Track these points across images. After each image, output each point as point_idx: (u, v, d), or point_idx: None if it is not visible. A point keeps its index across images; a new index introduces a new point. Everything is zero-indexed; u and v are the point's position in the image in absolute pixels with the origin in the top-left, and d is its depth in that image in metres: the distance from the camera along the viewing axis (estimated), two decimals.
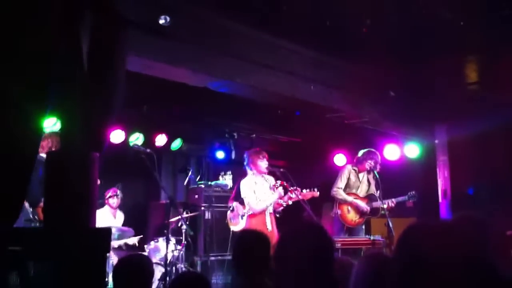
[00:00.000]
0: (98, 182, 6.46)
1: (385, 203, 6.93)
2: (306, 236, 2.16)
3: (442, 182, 7.88)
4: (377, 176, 7.02)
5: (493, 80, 6.89)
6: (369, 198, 7.20)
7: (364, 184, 7.29)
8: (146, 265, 3.28)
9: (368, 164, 7.14)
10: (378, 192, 7.09)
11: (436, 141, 8.05)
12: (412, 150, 8.37)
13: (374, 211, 7.13)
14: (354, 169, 7.27)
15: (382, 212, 6.99)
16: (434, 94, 7.22)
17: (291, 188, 6.50)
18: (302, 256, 2.07)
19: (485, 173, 7.61)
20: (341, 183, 7.17)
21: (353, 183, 7.23)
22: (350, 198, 7.10)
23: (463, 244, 1.36)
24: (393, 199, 7.01)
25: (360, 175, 7.27)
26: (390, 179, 7.39)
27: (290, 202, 6.55)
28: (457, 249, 1.34)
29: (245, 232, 3.38)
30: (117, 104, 3.90)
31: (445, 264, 1.31)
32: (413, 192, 7.08)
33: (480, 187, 7.69)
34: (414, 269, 1.35)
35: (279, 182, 6.56)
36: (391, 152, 8.45)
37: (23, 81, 3.30)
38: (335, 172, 7.61)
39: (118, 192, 7.16)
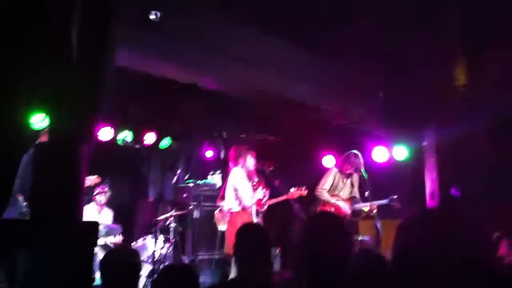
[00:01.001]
0: (98, 179, 6.46)
1: (366, 206, 7.03)
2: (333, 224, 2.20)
3: (429, 184, 7.91)
4: (365, 176, 7.05)
5: (482, 81, 6.92)
6: (351, 200, 7.26)
7: (347, 186, 7.34)
8: (132, 257, 3.25)
9: (348, 168, 7.22)
10: (367, 193, 7.12)
11: (425, 143, 8.07)
12: (401, 152, 8.39)
13: (356, 213, 7.19)
14: (339, 172, 7.31)
15: (364, 214, 7.05)
16: (423, 96, 7.24)
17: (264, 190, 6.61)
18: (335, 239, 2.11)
19: (475, 175, 7.62)
20: (326, 184, 7.21)
21: (336, 185, 7.28)
22: (333, 200, 7.15)
23: (453, 231, 1.38)
24: (374, 202, 7.05)
25: (344, 178, 7.32)
26: (379, 181, 7.41)
27: (264, 207, 6.60)
28: (449, 236, 1.35)
29: (247, 226, 3.33)
30: (106, 98, 3.89)
31: (437, 252, 1.32)
32: (395, 196, 7.10)
33: (469, 188, 7.70)
34: (408, 256, 1.37)
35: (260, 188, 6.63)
36: (380, 154, 8.46)
37: (10, 77, 3.28)
38: (323, 172, 7.62)
39: (106, 189, 7.12)
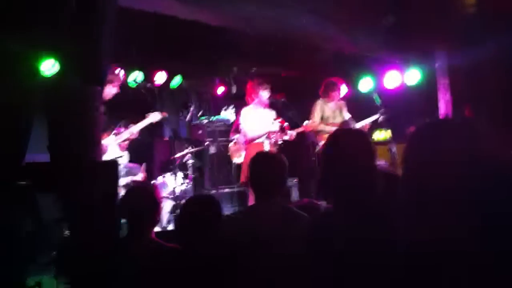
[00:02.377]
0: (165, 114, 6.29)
1: (360, 124, 7.33)
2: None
3: (443, 106, 7.87)
4: (378, 102, 7.11)
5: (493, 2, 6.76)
6: (345, 123, 7.38)
7: (337, 112, 7.47)
8: (151, 193, 3.31)
9: (330, 96, 7.34)
10: (381, 116, 7.18)
11: (437, 65, 7.97)
12: (413, 76, 8.31)
13: None
14: (323, 101, 7.40)
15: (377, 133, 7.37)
16: (433, 17, 7.10)
17: (286, 128, 6.72)
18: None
19: (485, 99, 7.56)
20: (316, 117, 7.29)
21: (327, 115, 7.39)
22: (328, 127, 7.26)
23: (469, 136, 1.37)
24: (365, 120, 7.34)
25: (331, 104, 7.42)
26: (392, 106, 7.41)
27: (279, 141, 6.69)
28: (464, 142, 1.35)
29: (260, 154, 3.31)
30: (110, 38, 3.88)
31: (453, 159, 1.32)
32: (383, 110, 7.29)
33: (482, 109, 7.66)
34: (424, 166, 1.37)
35: (278, 121, 6.72)
36: (392, 79, 8.40)
37: (13, 27, 3.29)
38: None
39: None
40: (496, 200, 1.29)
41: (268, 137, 6.60)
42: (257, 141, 6.59)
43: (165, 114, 6.55)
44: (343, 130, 2.38)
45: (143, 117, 6.34)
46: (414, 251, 1.39)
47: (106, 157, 5.72)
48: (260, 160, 3.19)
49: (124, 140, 6.11)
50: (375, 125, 7.45)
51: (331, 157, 2.18)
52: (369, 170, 2.13)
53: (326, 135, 7.11)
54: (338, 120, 7.41)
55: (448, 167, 1.35)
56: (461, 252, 1.29)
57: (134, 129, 6.12)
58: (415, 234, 1.41)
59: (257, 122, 6.65)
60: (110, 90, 5.76)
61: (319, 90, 7.45)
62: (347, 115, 7.46)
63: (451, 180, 1.34)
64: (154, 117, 6.37)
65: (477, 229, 1.29)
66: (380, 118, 7.24)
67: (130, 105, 6.88)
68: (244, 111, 6.80)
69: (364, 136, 2.29)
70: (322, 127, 7.26)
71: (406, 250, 1.43)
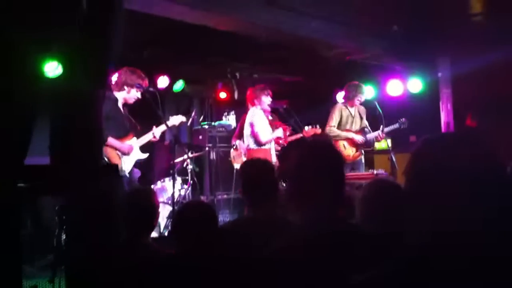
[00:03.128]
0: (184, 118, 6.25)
1: (377, 134, 7.10)
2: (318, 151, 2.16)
3: (445, 115, 7.88)
4: (380, 111, 7.04)
5: (498, 10, 6.76)
6: (362, 131, 7.27)
7: (356, 118, 7.32)
8: (149, 197, 3.31)
9: (358, 100, 7.18)
10: (382, 126, 7.14)
11: (440, 74, 7.98)
12: (415, 84, 8.32)
13: (368, 143, 7.21)
14: (344, 106, 7.27)
15: (377, 142, 7.32)
16: (438, 27, 7.11)
17: (285, 130, 6.70)
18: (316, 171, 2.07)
19: (489, 107, 7.56)
20: (333, 121, 7.17)
21: (345, 119, 7.25)
22: (344, 134, 7.14)
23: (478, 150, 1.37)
24: (384, 129, 7.09)
25: (351, 110, 7.28)
26: (393, 114, 7.40)
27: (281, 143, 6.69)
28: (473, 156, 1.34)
29: (251, 162, 3.30)
30: (117, 42, 3.88)
31: (460, 172, 1.31)
32: (403, 119, 7.11)
33: (484, 119, 7.65)
34: (427, 179, 1.36)
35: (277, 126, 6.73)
36: (394, 87, 8.41)
37: (22, 25, 3.28)
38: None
39: None
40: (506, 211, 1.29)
41: (276, 143, 6.61)
42: (264, 147, 6.58)
43: (185, 118, 6.49)
44: (311, 143, 2.32)
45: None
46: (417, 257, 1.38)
47: (130, 158, 5.71)
48: (250, 166, 3.19)
49: (146, 143, 6.05)
50: (393, 135, 7.38)
51: (300, 170, 2.16)
52: (336, 183, 2.10)
53: (341, 141, 7.10)
54: (357, 126, 7.26)
55: (457, 180, 1.34)
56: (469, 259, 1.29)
57: (157, 132, 6.02)
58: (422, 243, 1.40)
59: (267, 126, 6.64)
60: (135, 94, 5.72)
61: (344, 93, 7.32)
62: (365, 123, 7.31)
63: (459, 192, 1.33)
64: (175, 120, 6.29)
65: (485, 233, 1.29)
66: (400, 127, 7.15)
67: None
68: (255, 111, 6.68)
69: (330, 148, 2.27)
70: (338, 132, 7.10)
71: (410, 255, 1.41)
